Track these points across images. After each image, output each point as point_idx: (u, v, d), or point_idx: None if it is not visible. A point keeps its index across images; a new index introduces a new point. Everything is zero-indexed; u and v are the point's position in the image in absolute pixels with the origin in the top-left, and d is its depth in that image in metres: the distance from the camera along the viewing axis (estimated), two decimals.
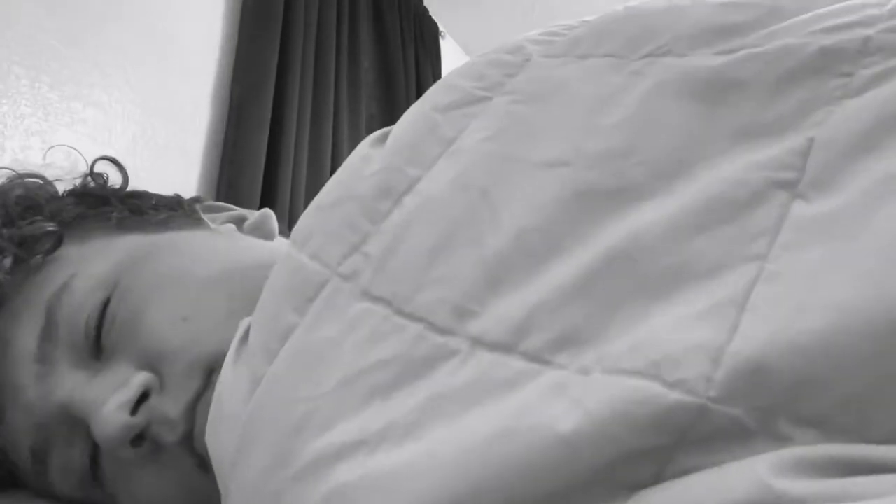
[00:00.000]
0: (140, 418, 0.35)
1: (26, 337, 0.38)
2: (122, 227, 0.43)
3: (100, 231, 0.42)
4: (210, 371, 0.36)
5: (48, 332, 0.37)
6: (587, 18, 0.35)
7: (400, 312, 0.26)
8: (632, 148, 0.27)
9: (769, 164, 0.24)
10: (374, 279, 0.28)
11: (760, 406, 0.19)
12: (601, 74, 0.31)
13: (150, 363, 0.36)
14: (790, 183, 0.24)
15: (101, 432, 0.35)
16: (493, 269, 0.26)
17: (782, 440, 0.18)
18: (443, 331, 0.25)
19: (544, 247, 0.26)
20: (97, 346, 0.38)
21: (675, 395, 0.19)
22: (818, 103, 0.25)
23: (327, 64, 1.58)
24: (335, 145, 1.58)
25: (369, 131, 1.74)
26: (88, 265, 0.39)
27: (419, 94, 2.08)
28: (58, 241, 0.40)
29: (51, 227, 0.40)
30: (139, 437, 0.36)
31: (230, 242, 0.45)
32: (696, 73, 0.28)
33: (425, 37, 2.09)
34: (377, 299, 0.27)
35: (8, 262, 0.39)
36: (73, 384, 0.37)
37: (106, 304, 0.38)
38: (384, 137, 0.35)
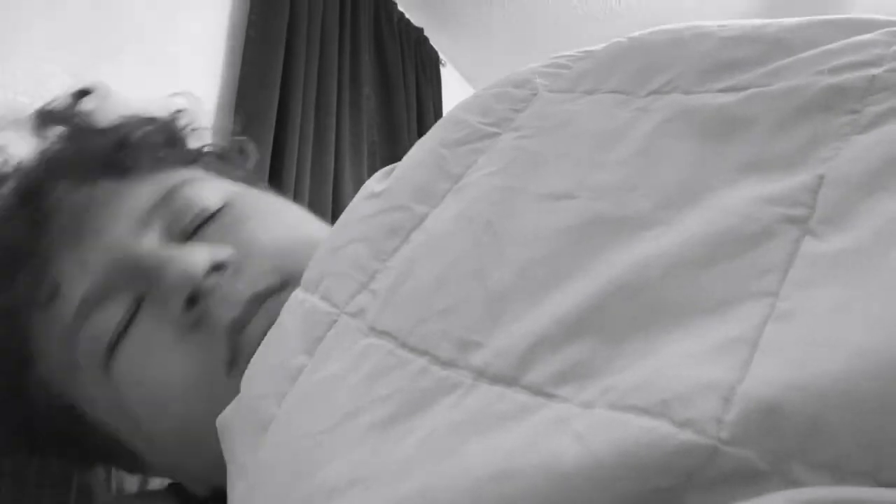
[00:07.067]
0: (210, 280, 0.37)
1: (140, 200, 0.42)
2: (236, 178, 0.49)
3: (220, 174, 0.49)
4: (287, 282, 0.38)
5: (159, 207, 0.41)
6: (592, 49, 0.36)
7: (404, 345, 0.26)
8: (637, 182, 0.27)
9: (779, 200, 0.24)
10: (380, 314, 0.27)
11: (773, 449, 0.18)
12: (607, 110, 0.31)
13: (237, 252, 0.39)
14: (800, 219, 0.23)
15: (176, 267, 0.37)
16: (496, 301, 0.25)
17: (795, 483, 0.18)
18: (445, 363, 0.25)
19: (548, 277, 0.25)
20: (196, 231, 0.41)
21: (684, 436, 0.19)
22: (826, 139, 0.25)
23: (329, 92, 1.59)
24: (337, 172, 1.59)
25: (371, 158, 1.76)
26: (209, 182, 0.45)
27: (420, 121, 2.09)
28: (198, 155, 0.49)
29: (203, 146, 0.50)
30: (194, 300, 0.37)
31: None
32: (702, 110, 0.28)
33: (426, 65, 2.10)
34: (382, 333, 0.27)
35: (159, 142, 0.48)
36: (158, 245, 0.40)
37: (217, 210, 0.42)
38: (390, 174, 0.35)
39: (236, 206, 0.42)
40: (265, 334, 0.35)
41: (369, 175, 1.47)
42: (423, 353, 0.25)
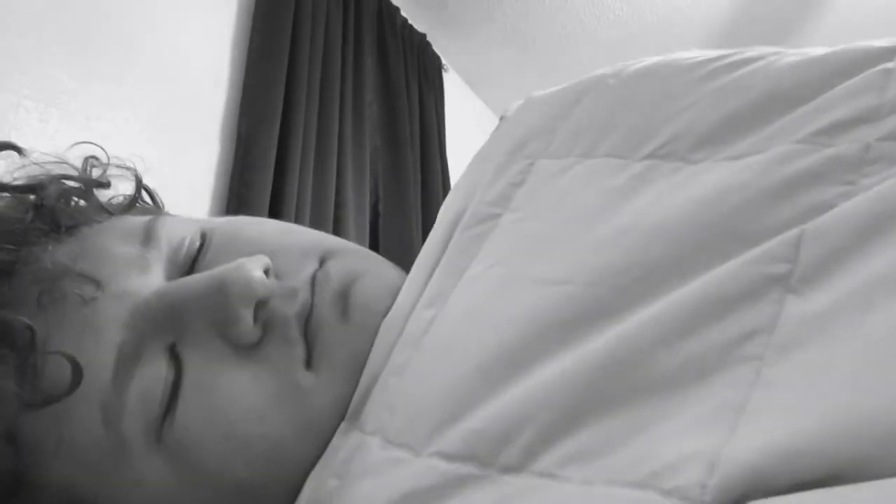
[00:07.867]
0: (268, 285, 0.34)
1: (126, 245, 0.36)
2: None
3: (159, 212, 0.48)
4: (325, 258, 0.37)
5: (148, 243, 0.36)
6: (580, 90, 0.36)
7: (418, 454, 0.27)
8: (630, 263, 0.27)
9: (761, 258, 0.24)
10: (393, 426, 0.28)
11: None
12: (601, 180, 0.32)
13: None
14: (783, 277, 0.24)
15: (238, 278, 0.33)
16: (495, 386, 0.26)
17: None
18: (451, 458, 0.25)
19: (543, 359, 0.26)
20: (192, 267, 0.37)
21: (668, 503, 0.20)
22: (819, 210, 0.25)
23: (332, 97, 1.60)
24: (340, 177, 1.60)
25: (373, 163, 1.77)
26: (168, 218, 0.40)
27: (422, 127, 2.09)
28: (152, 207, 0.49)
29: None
30: (258, 313, 0.33)
31: None
32: (698, 182, 0.29)
33: (428, 70, 2.11)
34: (399, 445, 0.28)
35: (121, 198, 0.46)
36: (169, 283, 0.35)
37: (202, 236, 0.38)
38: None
39: (214, 230, 0.38)
40: (329, 314, 0.34)
41: (371, 179, 1.47)
42: (435, 454, 0.26)
